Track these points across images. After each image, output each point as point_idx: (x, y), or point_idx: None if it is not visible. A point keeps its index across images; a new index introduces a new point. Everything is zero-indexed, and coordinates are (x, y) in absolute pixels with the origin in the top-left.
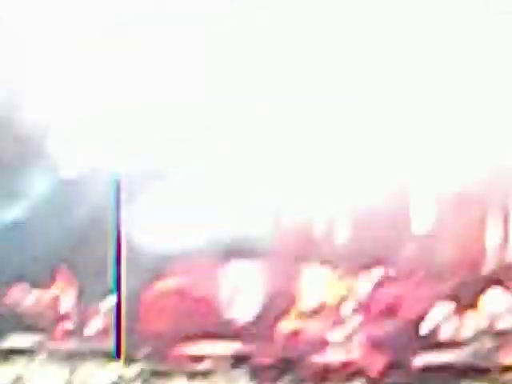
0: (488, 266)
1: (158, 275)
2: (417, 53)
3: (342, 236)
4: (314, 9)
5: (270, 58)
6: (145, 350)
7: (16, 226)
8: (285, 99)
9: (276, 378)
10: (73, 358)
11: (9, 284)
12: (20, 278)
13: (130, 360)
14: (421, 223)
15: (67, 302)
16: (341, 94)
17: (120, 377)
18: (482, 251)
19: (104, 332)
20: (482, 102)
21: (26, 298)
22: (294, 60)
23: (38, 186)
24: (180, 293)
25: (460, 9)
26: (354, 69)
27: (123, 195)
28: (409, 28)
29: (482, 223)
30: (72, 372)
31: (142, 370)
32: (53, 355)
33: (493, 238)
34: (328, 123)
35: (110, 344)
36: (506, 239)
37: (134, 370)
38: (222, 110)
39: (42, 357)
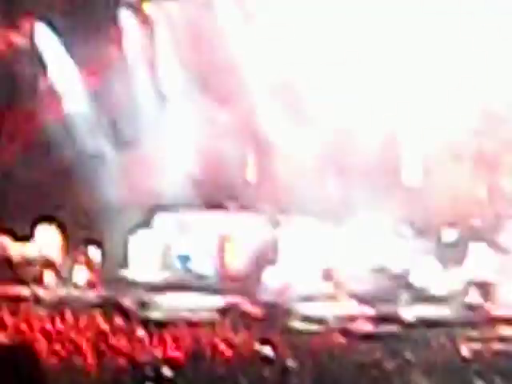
0: (479, 220)
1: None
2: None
3: (331, 184)
4: None
5: None
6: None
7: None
8: None
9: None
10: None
11: None
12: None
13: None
14: (411, 174)
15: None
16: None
17: None
18: (473, 204)
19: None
20: (473, 58)
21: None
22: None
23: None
24: None
25: None
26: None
27: None
28: None
29: (472, 176)
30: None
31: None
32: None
33: (482, 190)
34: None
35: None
36: (495, 191)
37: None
38: None
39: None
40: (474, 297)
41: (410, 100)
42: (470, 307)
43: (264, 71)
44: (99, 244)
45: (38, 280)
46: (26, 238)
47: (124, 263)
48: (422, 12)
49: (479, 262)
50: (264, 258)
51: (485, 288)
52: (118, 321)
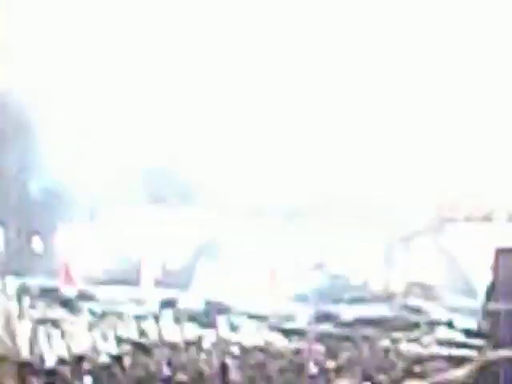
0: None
1: None
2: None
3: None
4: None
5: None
6: None
7: None
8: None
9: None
10: None
11: None
12: None
13: None
14: None
15: None
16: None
17: None
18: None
19: None
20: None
21: None
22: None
23: None
24: None
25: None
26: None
27: None
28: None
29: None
30: None
31: None
32: None
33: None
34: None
35: None
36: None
37: None
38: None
39: None
40: (416, 298)
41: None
42: (411, 308)
43: None
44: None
45: None
46: None
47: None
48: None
49: (421, 262)
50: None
51: (426, 289)
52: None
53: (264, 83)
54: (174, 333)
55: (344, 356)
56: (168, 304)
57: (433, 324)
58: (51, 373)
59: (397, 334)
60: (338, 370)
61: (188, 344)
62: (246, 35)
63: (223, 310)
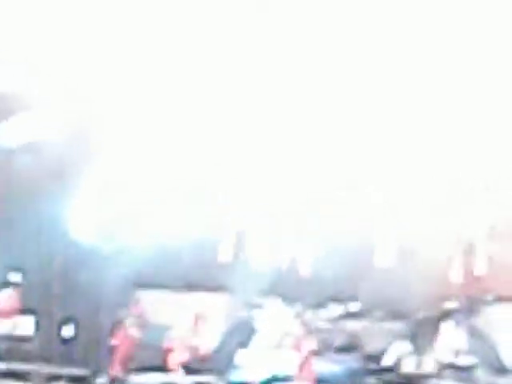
0: (453, 302)
1: None
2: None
3: (305, 272)
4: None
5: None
6: None
7: None
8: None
9: None
10: None
11: None
12: None
13: None
14: (385, 256)
15: None
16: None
17: None
18: (448, 286)
19: None
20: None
21: None
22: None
23: None
24: None
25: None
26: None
27: None
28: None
29: (448, 257)
30: None
31: None
32: None
33: (458, 272)
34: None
35: None
36: (471, 273)
37: None
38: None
39: None
40: (449, 379)
41: (386, 181)
42: None
43: None
44: None
45: None
46: None
47: None
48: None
49: (453, 344)
50: (237, 339)
51: (459, 371)
52: None
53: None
54: None
55: None
56: None
57: None
58: None
59: None
60: None
61: None
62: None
63: None
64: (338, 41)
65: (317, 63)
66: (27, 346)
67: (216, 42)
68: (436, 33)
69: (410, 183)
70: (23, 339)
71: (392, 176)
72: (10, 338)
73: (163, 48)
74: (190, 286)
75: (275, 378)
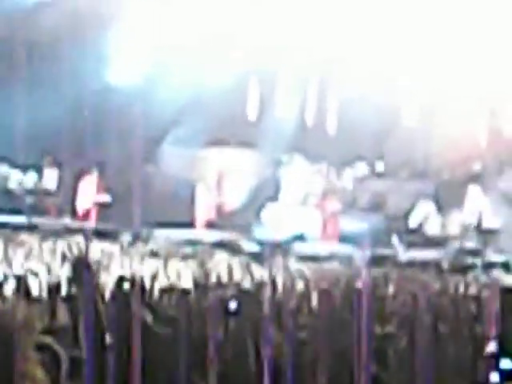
0: (479, 164)
1: None
2: None
3: (331, 130)
4: None
5: None
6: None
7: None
8: None
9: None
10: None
11: None
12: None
13: None
14: (410, 114)
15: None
16: None
17: None
18: (473, 147)
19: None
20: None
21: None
22: None
23: None
24: None
25: None
26: None
27: None
28: None
29: (473, 118)
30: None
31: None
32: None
33: (485, 132)
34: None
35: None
36: (498, 135)
37: None
38: None
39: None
40: (473, 241)
41: (409, 40)
42: (468, 252)
43: None
44: None
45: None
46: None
47: None
48: None
49: (478, 206)
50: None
51: (484, 233)
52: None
53: None
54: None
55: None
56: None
57: (489, 266)
58: None
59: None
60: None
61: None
62: None
63: (279, 251)
64: None
65: None
66: (50, 200)
67: None
68: None
69: (434, 38)
70: (47, 192)
71: (416, 33)
72: (34, 191)
73: None
74: (218, 142)
75: (299, 236)
